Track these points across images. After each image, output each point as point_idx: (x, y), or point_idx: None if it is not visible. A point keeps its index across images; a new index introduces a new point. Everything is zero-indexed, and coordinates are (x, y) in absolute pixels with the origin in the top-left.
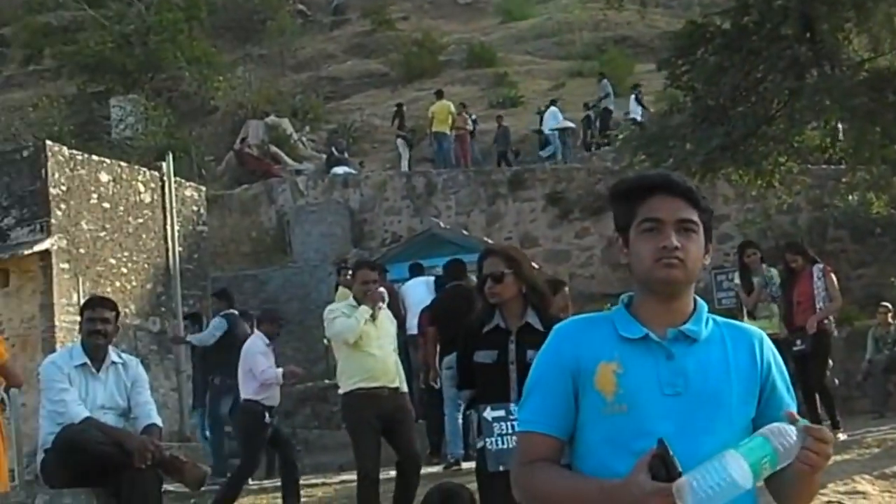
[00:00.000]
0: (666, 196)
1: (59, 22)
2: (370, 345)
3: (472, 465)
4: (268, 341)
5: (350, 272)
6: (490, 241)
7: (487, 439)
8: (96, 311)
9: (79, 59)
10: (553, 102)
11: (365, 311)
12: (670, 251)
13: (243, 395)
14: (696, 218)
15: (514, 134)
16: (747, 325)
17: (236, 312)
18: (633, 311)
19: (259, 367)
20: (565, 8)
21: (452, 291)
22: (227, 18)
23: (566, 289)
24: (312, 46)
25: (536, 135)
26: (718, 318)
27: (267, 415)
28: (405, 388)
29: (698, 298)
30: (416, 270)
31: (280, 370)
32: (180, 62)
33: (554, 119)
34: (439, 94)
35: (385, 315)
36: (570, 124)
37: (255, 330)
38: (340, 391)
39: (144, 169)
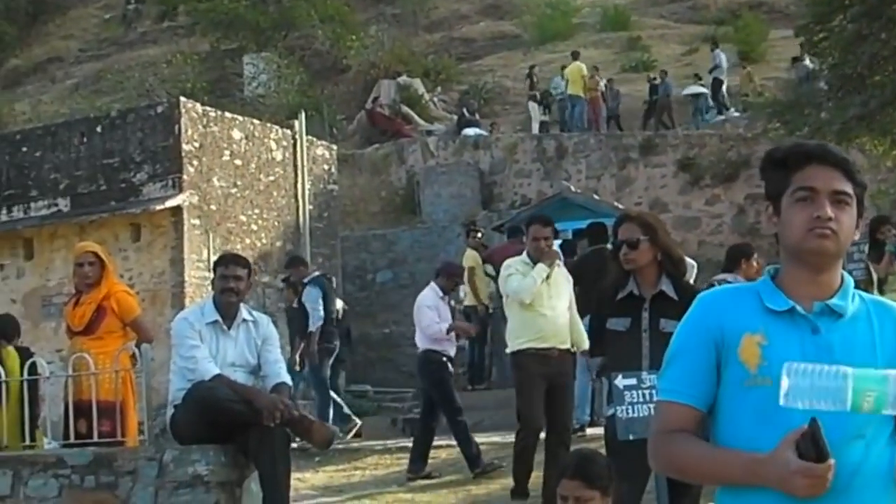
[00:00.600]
0: (822, 166)
1: None
2: (542, 304)
3: (596, 430)
4: (442, 294)
5: (478, 234)
6: (620, 206)
7: (618, 407)
8: (229, 269)
9: (213, 15)
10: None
11: (542, 270)
12: (824, 221)
13: (420, 345)
14: (850, 190)
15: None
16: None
17: (318, 274)
18: (778, 283)
19: (424, 320)
20: None
21: (593, 255)
22: None
23: (756, 255)
24: (446, 7)
25: (654, 99)
26: (864, 294)
27: (449, 364)
28: (584, 346)
29: (845, 273)
30: None
31: (445, 325)
32: (314, 20)
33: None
34: (575, 55)
35: (559, 273)
36: (704, 90)
37: (432, 282)
38: (509, 350)
39: (276, 127)
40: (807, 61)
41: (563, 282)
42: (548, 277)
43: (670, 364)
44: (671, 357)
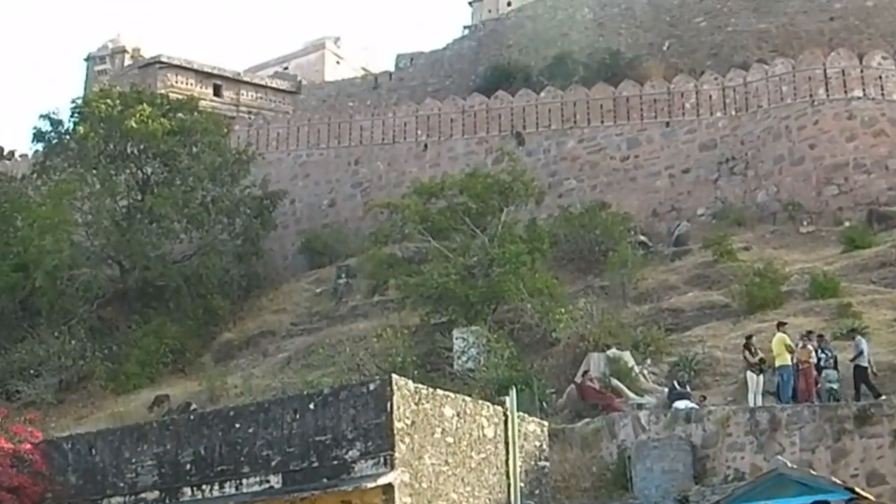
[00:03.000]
0: None
1: (404, 253)
2: None
3: None
4: None
5: None
6: (838, 481)
7: None
8: None
9: (423, 290)
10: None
11: None
12: None
13: None
14: None
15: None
16: None
17: None
18: None
19: None
20: None
21: None
22: (568, 250)
23: None
24: (654, 277)
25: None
26: None
27: None
28: None
29: None
30: None
31: None
32: (522, 294)
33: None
34: (779, 326)
35: None
36: None
37: None
38: None
39: (488, 403)
40: None
41: None
42: None
43: None
44: None
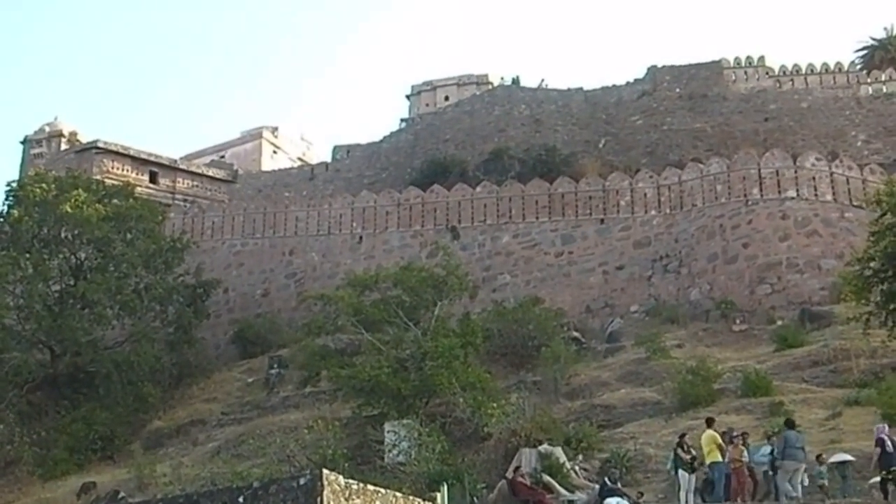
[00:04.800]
0: None
1: (337, 345)
2: None
3: None
4: None
5: None
6: None
7: None
8: None
9: (355, 382)
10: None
11: None
12: None
13: None
14: None
15: None
16: None
17: None
18: None
19: None
20: (841, 334)
21: None
22: (502, 345)
23: None
24: (586, 373)
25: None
26: None
27: None
28: None
29: None
30: None
31: None
32: (454, 388)
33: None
34: (708, 423)
35: None
36: (849, 457)
37: None
38: None
39: (419, 499)
40: None
41: None
42: None
43: None
44: None
